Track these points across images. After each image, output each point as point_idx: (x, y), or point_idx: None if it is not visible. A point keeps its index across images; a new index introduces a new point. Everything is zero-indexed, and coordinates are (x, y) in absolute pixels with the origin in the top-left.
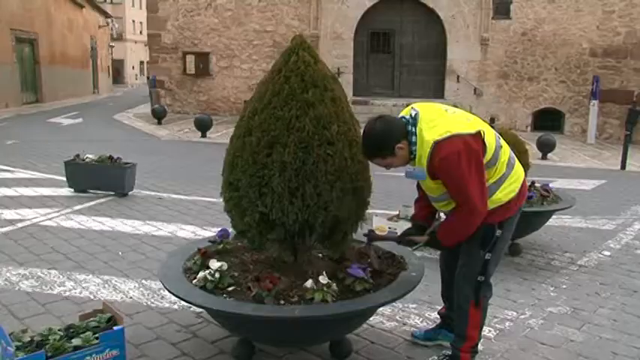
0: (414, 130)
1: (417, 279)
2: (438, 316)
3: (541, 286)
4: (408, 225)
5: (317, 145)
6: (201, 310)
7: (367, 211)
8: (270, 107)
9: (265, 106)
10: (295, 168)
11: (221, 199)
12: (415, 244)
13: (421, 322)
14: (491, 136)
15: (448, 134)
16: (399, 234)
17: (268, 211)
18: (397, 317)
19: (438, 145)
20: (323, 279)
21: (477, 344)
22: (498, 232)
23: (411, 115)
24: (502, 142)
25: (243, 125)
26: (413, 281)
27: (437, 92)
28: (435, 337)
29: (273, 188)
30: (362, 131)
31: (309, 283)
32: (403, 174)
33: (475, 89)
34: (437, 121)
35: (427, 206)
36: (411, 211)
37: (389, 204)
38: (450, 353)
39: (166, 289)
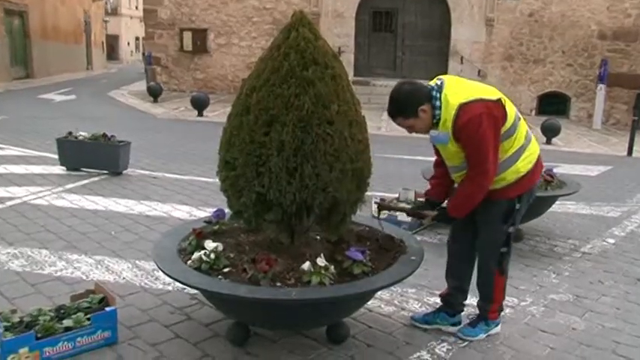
0: (438, 95)
1: (417, 263)
2: (438, 301)
3: (543, 272)
4: (407, 208)
5: (316, 124)
6: (195, 291)
7: (367, 193)
8: (269, 85)
9: (264, 84)
10: (294, 147)
11: (217, 179)
12: (423, 218)
13: (420, 306)
14: (510, 106)
15: (472, 98)
16: (412, 208)
17: (265, 191)
18: (396, 302)
19: (462, 107)
20: (320, 261)
21: (502, 303)
22: (518, 206)
23: (436, 84)
24: (520, 115)
25: (241, 103)
26: (412, 265)
27: (440, 73)
28: (433, 321)
29: (270, 168)
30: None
31: (306, 265)
32: (403, 156)
33: (479, 71)
34: (461, 88)
35: (442, 184)
36: (411, 194)
37: (388, 186)
38: (474, 320)
39: (160, 269)
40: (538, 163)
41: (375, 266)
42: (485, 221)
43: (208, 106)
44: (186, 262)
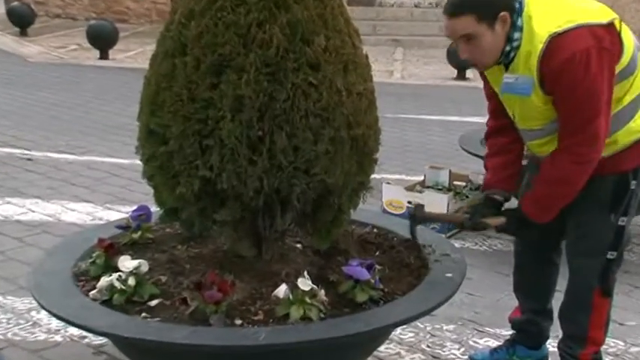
0: (520, 8)
1: (455, 284)
2: (490, 343)
3: None
4: (437, 197)
5: (292, 69)
6: (102, 340)
7: (374, 175)
8: (216, 8)
9: (207, 7)
10: (258, 106)
11: (137, 160)
12: (485, 229)
13: (462, 353)
14: (627, 32)
15: (571, 24)
16: (465, 213)
17: (215, 175)
18: (424, 345)
19: (556, 39)
20: (304, 283)
21: (601, 349)
22: (633, 184)
23: None
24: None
25: (172, 38)
26: (448, 287)
27: None
28: (508, 359)
29: (222, 139)
30: None
31: (281, 290)
32: (428, 116)
33: None
34: (551, 7)
35: (507, 164)
36: (444, 175)
37: (407, 164)
38: None
39: (42, 307)
40: None
41: (390, 289)
42: (582, 209)
43: (117, 43)
44: (87, 294)
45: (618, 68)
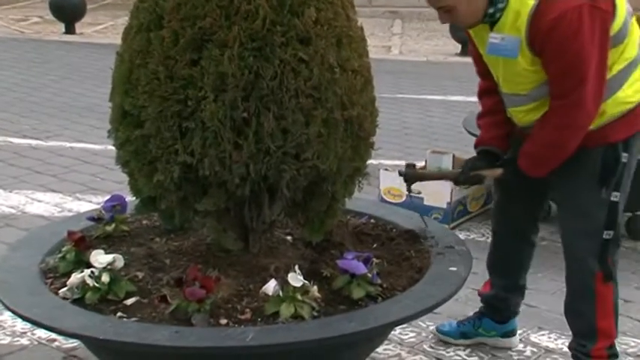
0: None
1: (459, 278)
2: (498, 349)
3: None
4: (440, 184)
5: (280, 43)
6: (74, 342)
7: (370, 160)
8: None
9: None
10: (243, 85)
11: (110, 145)
12: (482, 182)
13: (468, 354)
14: None
15: None
16: (459, 169)
17: (196, 161)
18: (426, 346)
19: None
20: (294, 279)
21: (614, 342)
22: (624, 157)
23: None
24: (631, 9)
25: (147, 9)
26: (451, 282)
27: None
28: (474, 332)
29: (203, 121)
30: None
31: (270, 286)
32: (429, 96)
33: None
34: None
35: (499, 122)
36: (447, 160)
37: (407, 148)
38: None
39: (6, 307)
40: None
41: (389, 285)
42: (569, 184)
43: (84, 16)
44: (56, 292)
45: (612, 32)
